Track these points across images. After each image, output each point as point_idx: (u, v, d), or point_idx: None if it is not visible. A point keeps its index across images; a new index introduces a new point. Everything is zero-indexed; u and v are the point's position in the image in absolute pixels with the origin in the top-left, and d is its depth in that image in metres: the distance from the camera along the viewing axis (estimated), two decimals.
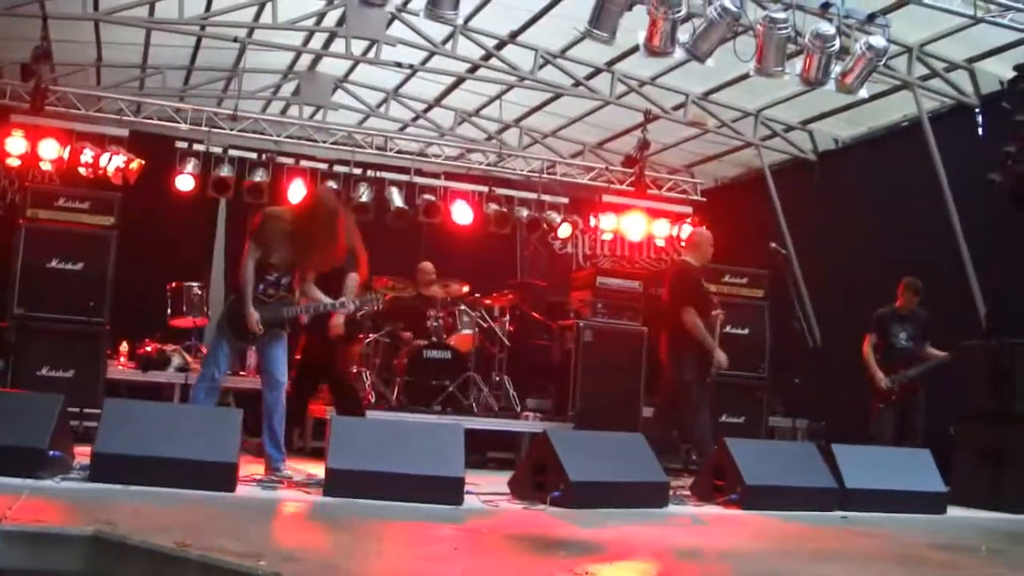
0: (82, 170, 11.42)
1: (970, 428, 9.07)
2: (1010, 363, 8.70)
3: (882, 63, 9.21)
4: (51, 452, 6.05)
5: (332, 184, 12.78)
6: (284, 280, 7.63)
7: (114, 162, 11.56)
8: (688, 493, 8.02)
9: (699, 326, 9.30)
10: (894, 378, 9.91)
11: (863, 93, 9.47)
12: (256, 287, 7.49)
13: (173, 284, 10.72)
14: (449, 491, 6.59)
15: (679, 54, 8.95)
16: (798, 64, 9.21)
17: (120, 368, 10.82)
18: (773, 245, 9.76)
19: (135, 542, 4.14)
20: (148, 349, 10.83)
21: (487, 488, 7.30)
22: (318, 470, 7.32)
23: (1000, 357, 8.76)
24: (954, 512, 8.06)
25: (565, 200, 14.43)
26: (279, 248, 7.52)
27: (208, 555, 3.92)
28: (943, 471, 8.32)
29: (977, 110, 10.92)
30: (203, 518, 5.19)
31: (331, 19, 11.16)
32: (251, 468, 7.37)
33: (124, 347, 11.07)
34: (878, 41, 8.86)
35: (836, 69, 9.12)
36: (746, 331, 11.83)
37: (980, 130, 10.92)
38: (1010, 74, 9.47)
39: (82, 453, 6.54)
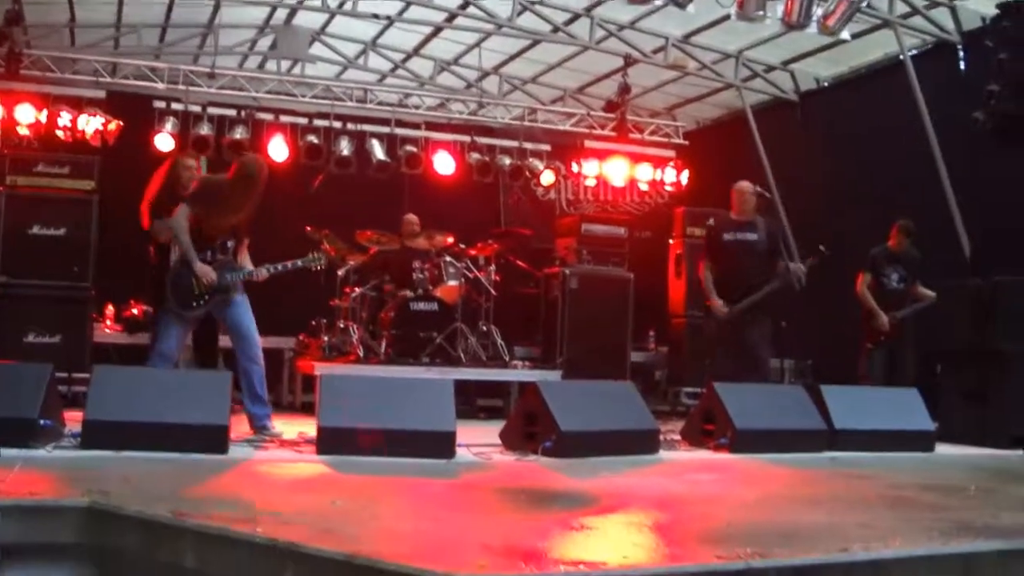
0: (60, 133, 11.30)
1: (955, 366, 9.14)
2: (993, 301, 8.74)
3: (864, 3, 9.17)
4: (42, 421, 6.05)
5: (314, 138, 12.73)
6: (230, 244, 7.62)
7: (92, 124, 11.45)
8: (678, 439, 8.08)
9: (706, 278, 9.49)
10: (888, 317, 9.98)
11: (845, 35, 9.44)
12: (203, 254, 7.48)
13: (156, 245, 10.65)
14: (441, 445, 6.62)
15: None
16: (779, 7, 9.16)
17: (106, 331, 10.80)
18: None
19: (130, 512, 4.14)
20: (134, 311, 10.82)
21: (479, 439, 7.34)
22: (308, 425, 7.35)
23: (983, 295, 8.80)
24: (942, 449, 8.14)
25: (547, 147, 14.37)
26: (213, 214, 7.51)
27: (204, 524, 3.93)
28: (931, 409, 8.39)
29: (959, 47, 10.88)
30: (197, 484, 5.20)
31: None
32: (243, 428, 7.39)
33: (110, 310, 11.04)
34: None
35: (818, 11, 9.09)
36: None
37: (962, 67, 10.88)
38: (992, 11, 9.42)
39: (71, 418, 6.55)
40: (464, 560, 3.43)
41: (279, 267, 7.82)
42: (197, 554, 3.88)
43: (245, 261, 7.77)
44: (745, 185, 9.74)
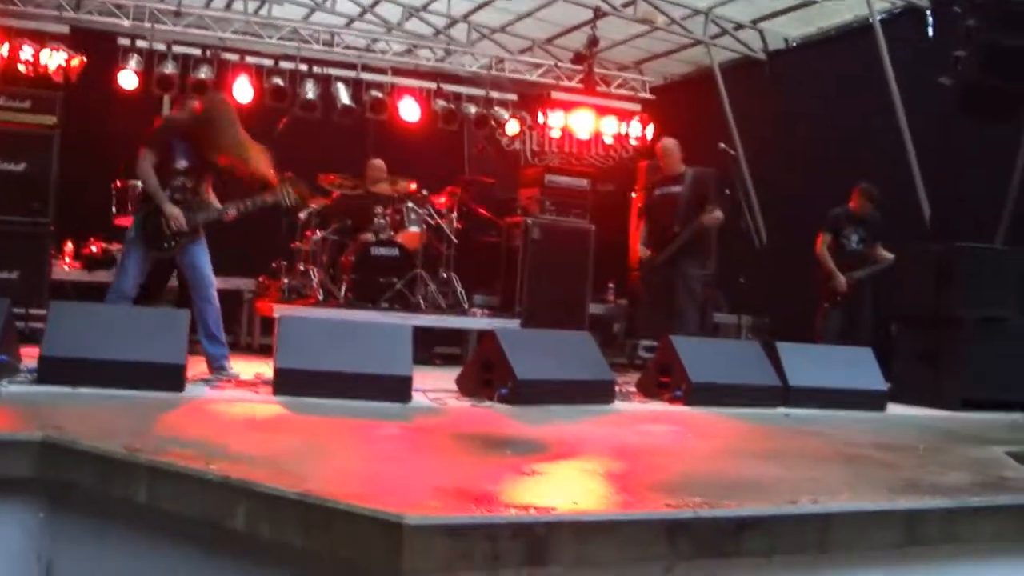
0: (22, 67, 11.13)
1: (911, 328, 9.23)
2: (952, 265, 8.82)
3: None
4: None
5: (279, 81, 12.63)
6: (191, 184, 7.59)
7: (55, 60, 11.28)
8: (634, 390, 8.14)
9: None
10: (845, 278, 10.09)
11: None
12: (164, 192, 7.47)
13: (118, 183, 10.53)
14: (397, 389, 6.63)
15: None
16: None
17: (65, 268, 10.72)
18: (721, 145, 9.80)
19: (84, 447, 4.13)
20: (93, 249, 10.73)
21: (435, 385, 7.37)
22: (266, 367, 7.35)
23: (942, 259, 8.87)
24: (894, 409, 8.22)
25: (514, 97, 14.33)
26: (182, 152, 7.50)
27: (156, 459, 3.92)
28: (885, 369, 8.49)
29: (928, 12, 10.91)
30: (151, 421, 5.20)
31: None
32: (200, 367, 7.38)
33: (69, 247, 10.94)
34: None
35: None
36: None
37: (930, 32, 10.91)
38: None
39: (28, 355, 6.52)
40: (415, 501, 3.45)
41: (248, 204, 7.79)
42: (150, 490, 3.87)
43: (211, 199, 7.74)
44: (669, 142, 10.32)
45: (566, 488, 4.15)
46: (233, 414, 5.89)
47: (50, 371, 6.09)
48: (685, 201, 9.77)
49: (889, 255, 10.12)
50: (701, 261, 10.29)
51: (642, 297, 10.11)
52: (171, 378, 6.28)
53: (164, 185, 7.47)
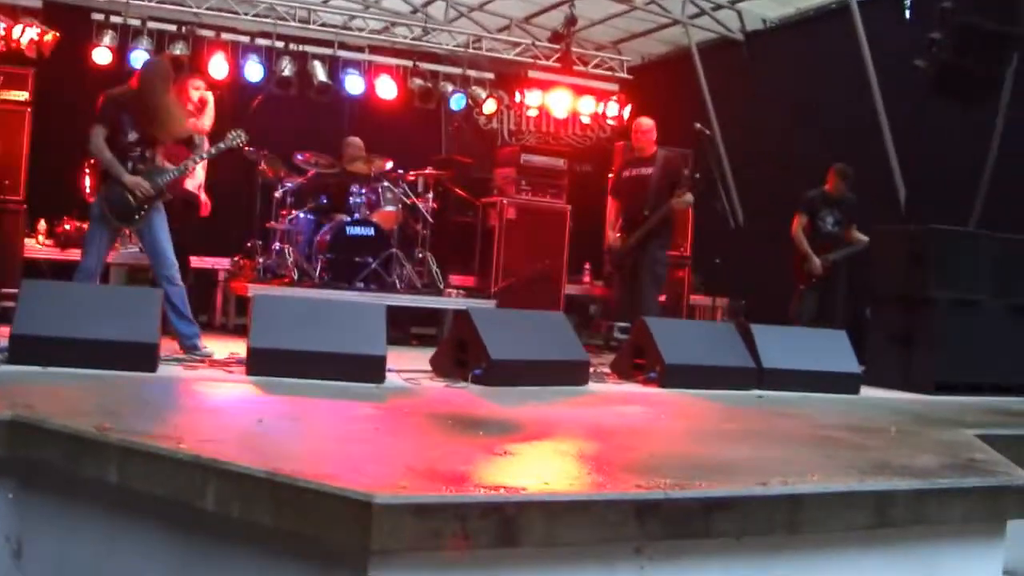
0: None
1: (884, 310, 9.26)
2: (925, 248, 8.86)
3: None
4: None
5: (254, 57, 12.54)
6: (148, 153, 7.61)
7: (27, 34, 11.16)
8: (608, 372, 8.15)
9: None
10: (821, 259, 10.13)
11: None
12: (124, 165, 7.47)
13: (92, 160, 10.46)
14: (371, 369, 6.61)
15: None
16: None
17: (39, 246, 10.65)
18: (698, 125, 9.78)
19: (54, 426, 4.11)
20: (67, 227, 10.64)
21: (410, 365, 7.36)
22: (239, 346, 7.32)
23: (916, 242, 8.90)
24: (867, 392, 8.26)
25: (491, 76, 14.27)
26: (130, 124, 7.50)
27: (127, 439, 3.91)
28: (858, 352, 8.53)
29: None
30: (123, 400, 5.17)
31: None
32: (173, 346, 7.36)
33: (43, 225, 10.85)
34: None
35: None
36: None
37: (908, 14, 10.92)
38: None
39: (0, 334, 6.48)
40: (386, 481, 3.46)
41: (204, 155, 7.81)
42: (120, 469, 3.86)
43: (167, 164, 7.74)
44: (644, 121, 10.20)
45: (538, 469, 4.16)
46: (205, 393, 5.87)
47: (21, 350, 6.04)
48: (655, 183, 9.74)
49: (864, 238, 10.15)
50: (668, 244, 10.27)
51: (615, 282, 10.11)
52: (144, 357, 6.26)
53: (121, 159, 7.47)
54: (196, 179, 8.95)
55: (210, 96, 8.91)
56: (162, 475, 3.75)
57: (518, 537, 3.34)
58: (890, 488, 4.10)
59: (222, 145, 7.88)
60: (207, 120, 8.77)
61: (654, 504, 3.56)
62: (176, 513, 3.75)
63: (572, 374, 7.39)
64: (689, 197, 9.80)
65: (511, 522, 3.32)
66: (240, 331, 10.23)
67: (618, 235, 10.05)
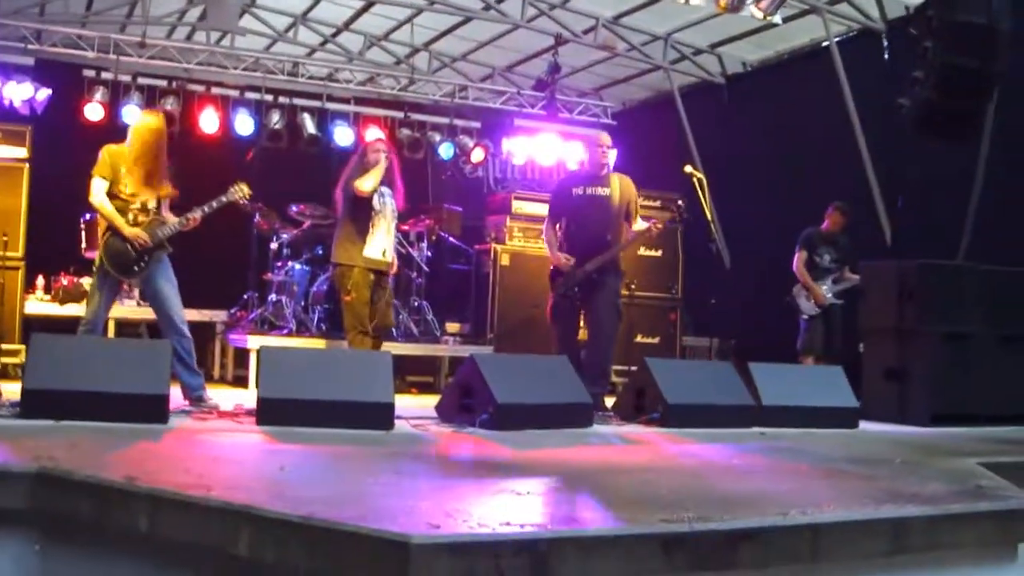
0: None
1: (878, 346, 9.38)
2: (914, 283, 8.99)
3: None
4: None
5: (244, 111, 12.65)
6: (150, 205, 7.66)
7: (20, 92, 11.29)
8: (611, 414, 8.21)
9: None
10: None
11: (777, 19, 9.61)
12: (124, 217, 7.53)
13: (87, 216, 10.54)
14: (380, 417, 6.68)
15: None
16: None
17: (37, 302, 10.68)
18: (688, 168, 9.87)
19: (81, 477, 4.16)
20: (64, 282, 10.69)
21: (413, 412, 7.42)
22: (240, 397, 7.37)
23: (905, 276, 9.04)
24: (865, 426, 8.36)
25: (477, 124, 14.44)
26: (127, 177, 7.56)
27: (157, 488, 3.96)
28: (854, 386, 8.63)
29: (884, 35, 11.12)
30: (142, 451, 5.22)
31: None
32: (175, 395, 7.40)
33: (40, 281, 10.89)
34: None
35: None
36: (659, 253, 12.08)
37: (886, 55, 11.11)
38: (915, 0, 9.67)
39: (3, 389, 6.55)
40: (416, 521, 3.52)
41: (206, 208, 7.83)
42: (150, 518, 3.91)
43: (170, 218, 7.79)
44: (605, 137, 9.20)
45: (561, 507, 4.23)
46: (222, 443, 5.91)
47: (33, 404, 6.09)
48: (617, 207, 8.81)
49: (855, 276, 10.32)
50: (622, 275, 9.18)
51: (560, 312, 8.80)
52: (155, 409, 6.31)
53: (122, 211, 7.53)
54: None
55: None
56: (194, 522, 3.80)
57: (551, 573, 3.39)
58: (905, 515, 4.19)
59: (224, 198, 7.93)
60: None
61: (680, 537, 3.63)
62: (208, 560, 3.79)
63: (576, 416, 7.46)
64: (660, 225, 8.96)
65: (544, 558, 3.38)
66: (239, 382, 10.32)
67: (566, 259, 8.72)
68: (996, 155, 9.88)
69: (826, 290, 10.47)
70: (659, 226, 8.81)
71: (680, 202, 9.70)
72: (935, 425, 8.48)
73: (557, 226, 8.95)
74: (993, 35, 7.65)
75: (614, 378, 11.30)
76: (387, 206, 8.99)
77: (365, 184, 8.70)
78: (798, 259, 10.61)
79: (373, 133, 13.47)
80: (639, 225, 8.87)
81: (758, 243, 11.15)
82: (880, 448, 6.93)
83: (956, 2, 7.67)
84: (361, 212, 8.81)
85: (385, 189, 8.97)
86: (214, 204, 7.90)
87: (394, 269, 9.16)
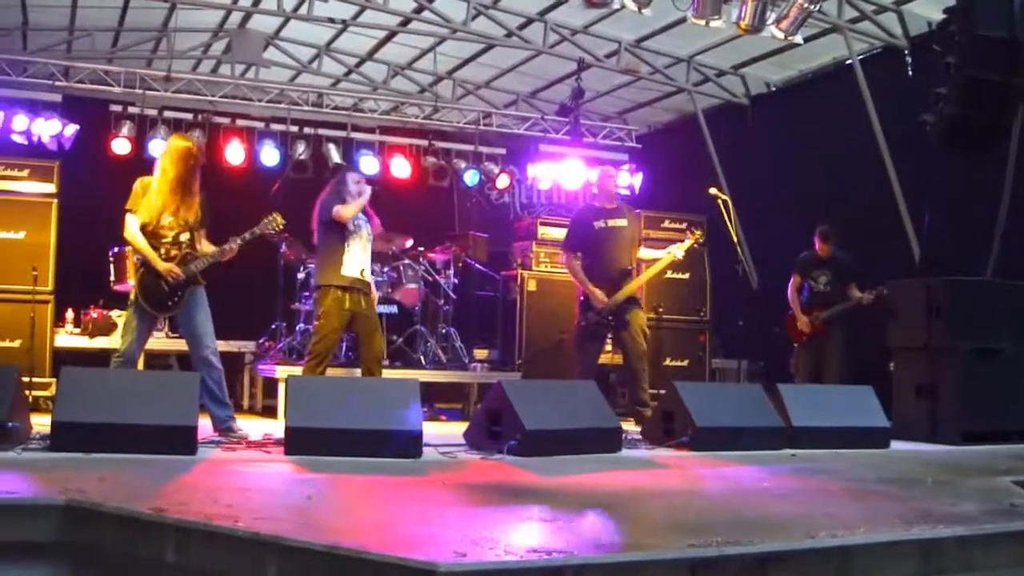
0: (16, 137, 11.26)
1: (907, 363, 9.32)
2: (943, 299, 8.95)
3: (816, 8, 9.34)
4: (10, 424, 6.06)
5: (269, 142, 12.72)
6: (183, 238, 7.65)
7: (48, 128, 11.41)
8: (640, 437, 8.18)
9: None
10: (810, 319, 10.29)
11: (798, 39, 9.60)
12: (157, 252, 7.52)
13: (116, 249, 10.61)
14: (408, 445, 6.67)
15: (617, 3, 9.04)
16: (734, 11, 9.32)
17: (67, 335, 10.75)
18: (713, 190, 9.87)
19: (109, 509, 4.17)
20: (94, 315, 10.76)
21: (441, 440, 7.41)
22: (269, 427, 7.37)
23: (934, 294, 9.00)
24: (896, 446, 8.31)
25: (502, 151, 14.48)
26: (162, 209, 7.56)
27: (185, 519, 3.97)
28: (885, 405, 8.57)
29: (906, 52, 11.09)
30: (171, 482, 5.23)
31: None
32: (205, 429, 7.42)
33: (70, 314, 10.97)
34: None
35: (771, 16, 9.25)
36: (687, 276, 12.04)
37: (910, 72, 11.07)
38: (938, 16, 9.60)
39: (33, 423, 6.58)
40: (443, 550, 3.51)
41: (241, 238, 7.83)
42: (179, 549, 3.93)
43: (207, 249, 7.79)
44: (611, 169, 9.84)
45: (589, 533, 4.21)
46: (250, 473, 5.92)
47: (63, 436, 6.13)
48: (632, 236, 9.48)
49: (859, 295, 10.24)
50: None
51: (589, 340, 9.30)
52: (183, 440, 6.34)
53: (154, 245, 7.53)
54: None
55: None
56: (222, 554, 3.81)
57: None
58: (935, 536, 4.16)
59: (256, 230, 7.93)
60: None
61: (709, 561, 3.61)
62: None
63: (605, 441, 7.44)
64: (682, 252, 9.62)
65: None
66: (268, 412, 10.35)
67: (602, 296, 9.13)
68: (1023, 170, 9.81)
69: (814, 317, 10.38)
70: (681, 254, 9.45)
71: (694, 229, 9.79)
72: (967, 443, 8.43)
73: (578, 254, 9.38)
74: (1016, 49, 7.60)
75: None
76: (361, 228, 9.02)
77: (346, 211, 8.79)
78: (791, 284, 10.64)
79: (399, 161, 13.53)
80: (643, 252, 9.58)
81: (785, 264, 11.08)
82: (911, 467, 6.87)
83: (978, 17, 7.62)
84: (336, 234, 8.88)
85: (360, 214, 8.99)
86: (247, 236, 7.90)
87: (373, 296, 9.11)
